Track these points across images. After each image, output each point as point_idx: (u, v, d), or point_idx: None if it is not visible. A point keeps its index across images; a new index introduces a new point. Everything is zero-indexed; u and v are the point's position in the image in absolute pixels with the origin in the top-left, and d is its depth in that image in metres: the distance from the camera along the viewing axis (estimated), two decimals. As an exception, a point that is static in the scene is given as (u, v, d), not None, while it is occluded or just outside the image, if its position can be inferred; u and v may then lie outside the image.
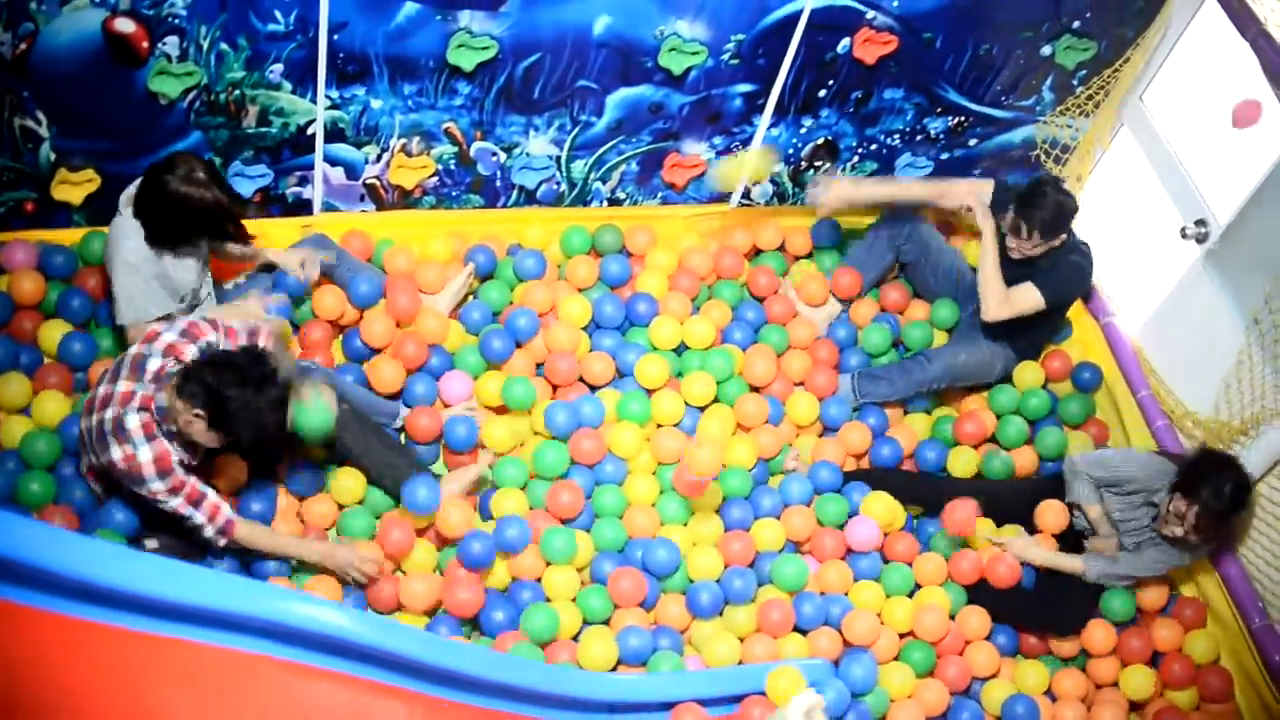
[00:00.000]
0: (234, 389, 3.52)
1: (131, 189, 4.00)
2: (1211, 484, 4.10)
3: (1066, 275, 4.69)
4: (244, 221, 4.27)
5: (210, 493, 3.77)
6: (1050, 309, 4.72)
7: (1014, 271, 4.71)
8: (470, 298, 4.87)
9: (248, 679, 2.93)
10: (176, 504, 3.70)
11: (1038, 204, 4.53)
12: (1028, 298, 4.67)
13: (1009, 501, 4.61)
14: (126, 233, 3.97)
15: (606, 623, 4.23)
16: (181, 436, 3.68)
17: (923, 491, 4.67)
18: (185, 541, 3.89)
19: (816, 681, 4.01)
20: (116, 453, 3.61)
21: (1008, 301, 4.69)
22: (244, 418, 3.56)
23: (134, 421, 3.60)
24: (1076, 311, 5.19)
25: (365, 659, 3.06)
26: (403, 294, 4.58)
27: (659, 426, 4.59)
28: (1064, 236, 4.62)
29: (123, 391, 3.64)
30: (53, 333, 4.32)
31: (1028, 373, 5.00)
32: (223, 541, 3.82)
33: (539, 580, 4.23)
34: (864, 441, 4.76)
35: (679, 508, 4.42)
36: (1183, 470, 4.21)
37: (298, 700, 2.99)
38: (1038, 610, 4.47)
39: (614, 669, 4.08)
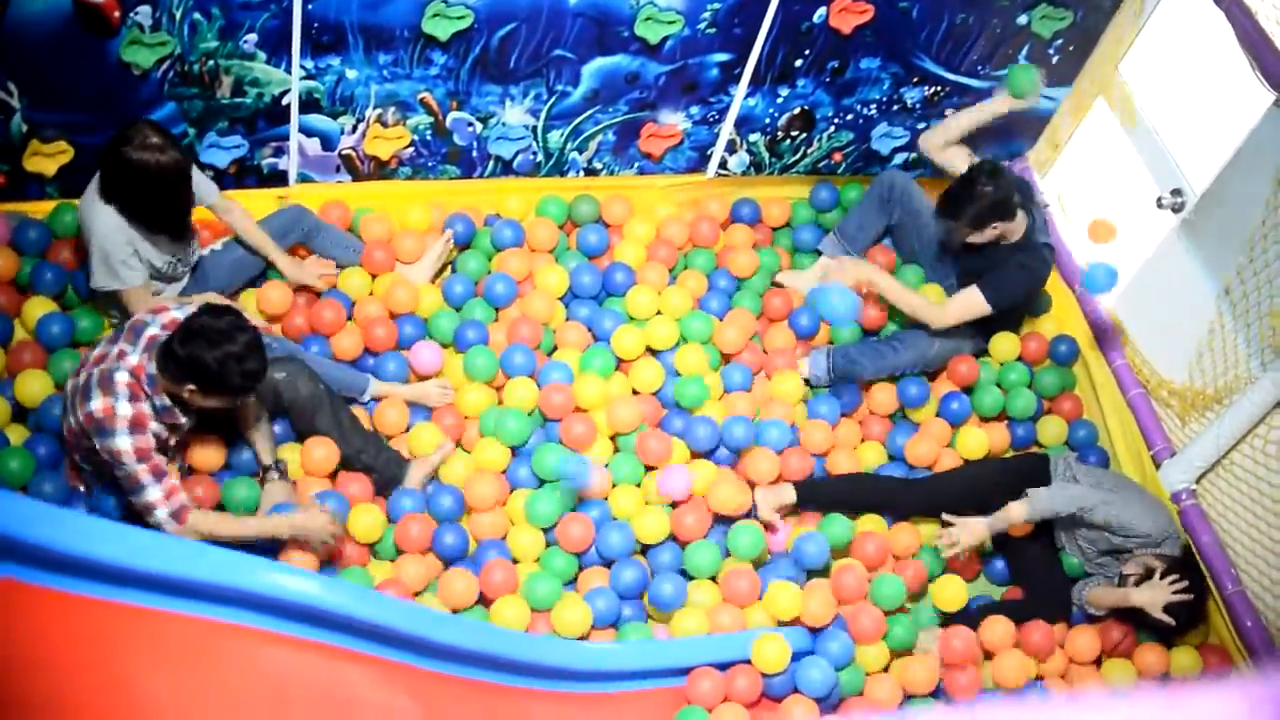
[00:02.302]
0: (208, 351, 3.52)
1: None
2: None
3: (1012, 278, 4.65)
4: (221, 194, 4.32)
5: (173, 476, 3.69)
6: (999, 311, 4.70)
7: (967, 264, 4.76)
8: (449, 269, 4.88)
9: (221, 648, 2.94)
10: (138, 469, 3.58)
11: (963, 203, 4.55)
12: (970, 303, 4.65)
13: (983, 491, 4.43)
14: (99, 205, 3.95)
15: (573, 584, 4.24)
16: (171, 413, 3.70)
17: (874, 497, 4.53)
18: None
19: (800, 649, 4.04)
20: (97, 403, 3.57)
21: (947, 312, 4.68)
22: (229, 373, 3.56)
23: (123, 378, 3.59)
24: (1052, 283, 5.21)
25: (341, 628, 3.08)
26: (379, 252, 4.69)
27: (635, 392, 4.62)
28: (1007, 224, 4.61)
29: (117, 350, 3.65)
30: (33, 310, 4.31)
31: (1004, 343, 5.00)
32: (172, 526, 3.64)
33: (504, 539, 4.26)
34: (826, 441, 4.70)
35: (632, 470, 4.41)
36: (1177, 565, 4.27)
37: (272, 669, 3.01)
38: (1022, 605, 4.43)
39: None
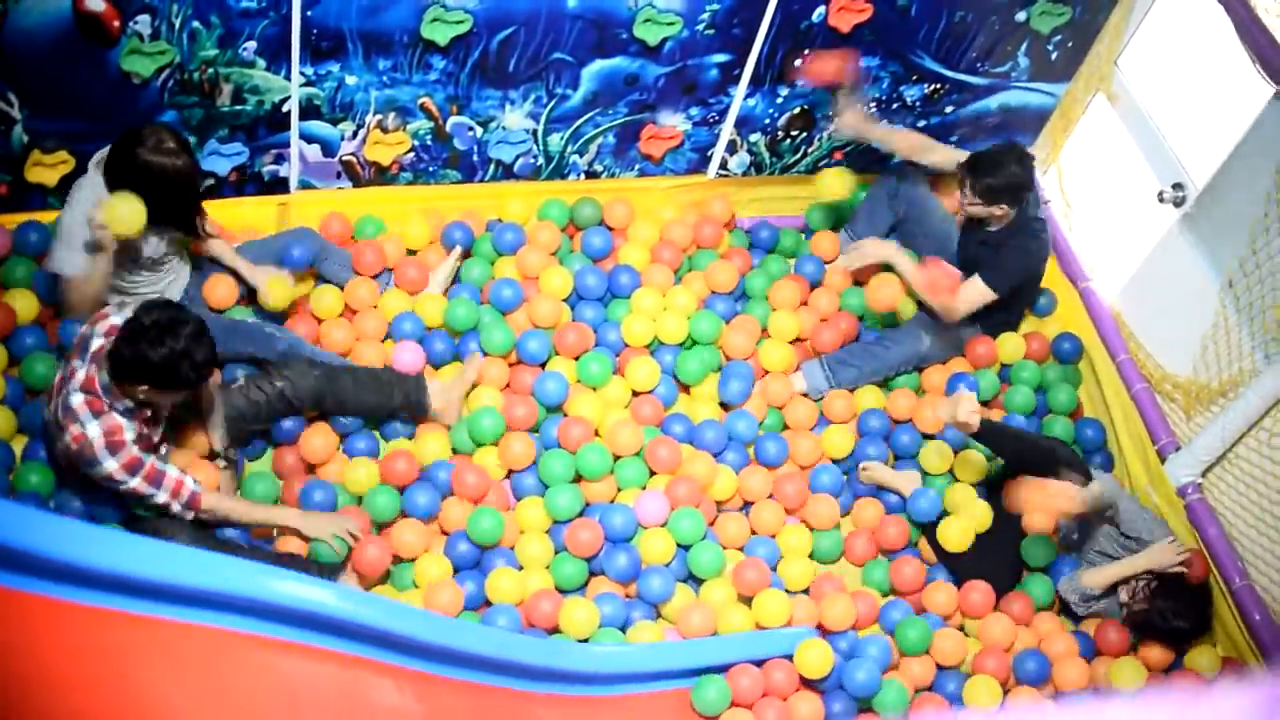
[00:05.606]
0: (151, 349, 3.50)
1: (103, 152, 3.98)
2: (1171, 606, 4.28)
3: (1011, 260, 4.66)
4: (223, 202, 4.31)
5: (171, 469, 3.73)
6: (1006, 296, 4.70)
7: (969, 253, 4.78)
8: (456, 281, 4.89)
9: (234, 658, 2.94)
10: (135, 484, 3.64)
11: (989, 170, 4.56)
12: (974, 292, 4.64)
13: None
14: (87, 191, 3.94)
15: (583, 590, 4.24)
16: (141, 411, 3.69)
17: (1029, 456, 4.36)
18: None
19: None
20: (68, 435, 3.58)
21: (957, 304, 4.67)
22: (178, 365, 3.53)
23: (78, 400, 3.57)
24: (1055, 280, 5.21)
25: (353, 636, 3.08)
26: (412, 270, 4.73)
27: (635, 394, 4.63)
28: (1008, 210, 4.64)
29: (69, 369, 3.64)
30: (26, 306, 4.29)
31: (1010, 344, 5.00)
32: (189, 515, 3.78)
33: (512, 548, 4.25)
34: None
35: (638, 472, 4.42)
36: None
37: (285, 678, 3.01)
38: (969, 570, 4.46)
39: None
